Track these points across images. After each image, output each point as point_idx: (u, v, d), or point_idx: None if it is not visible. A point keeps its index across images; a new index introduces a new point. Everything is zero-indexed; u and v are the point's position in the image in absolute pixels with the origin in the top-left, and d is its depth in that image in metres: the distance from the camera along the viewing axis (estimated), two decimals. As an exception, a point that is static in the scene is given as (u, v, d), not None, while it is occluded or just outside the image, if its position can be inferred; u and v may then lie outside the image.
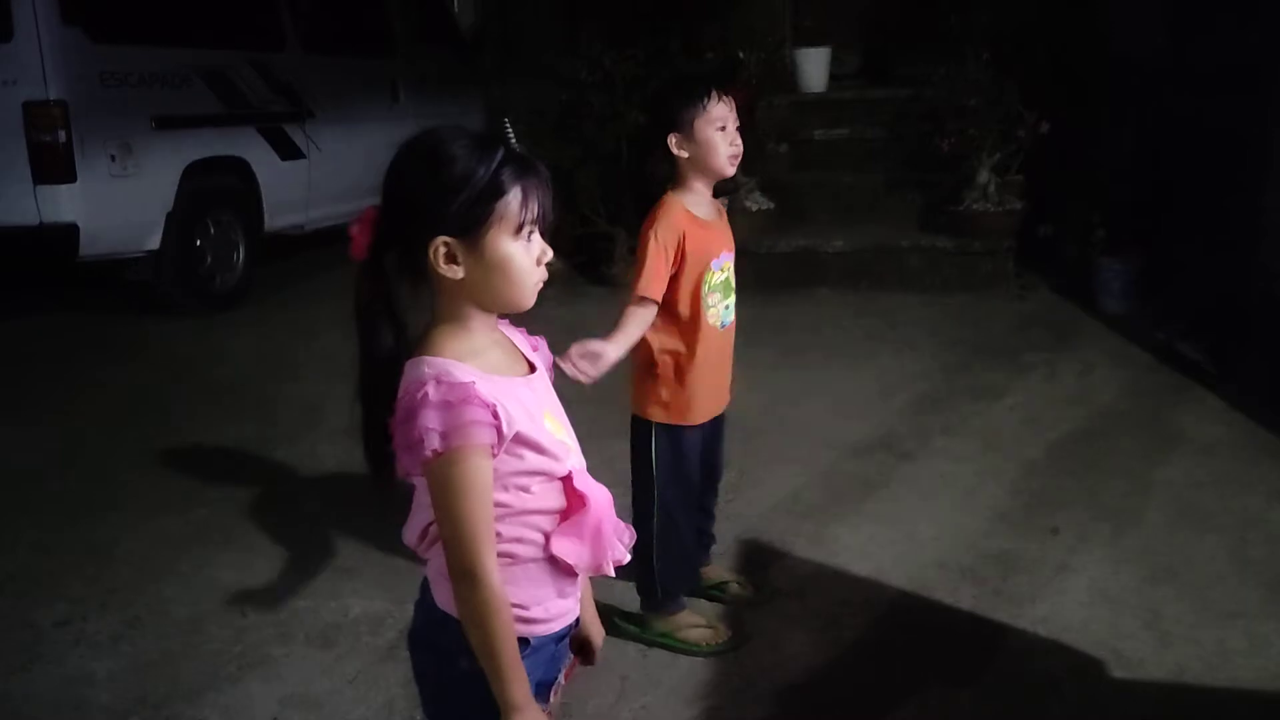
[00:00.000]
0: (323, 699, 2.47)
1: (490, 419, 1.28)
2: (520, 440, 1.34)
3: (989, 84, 5.94)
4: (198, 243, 5.94)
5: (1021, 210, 6.08)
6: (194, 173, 5.81)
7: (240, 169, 6.20)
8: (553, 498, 1.41)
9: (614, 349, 2.38)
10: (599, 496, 1.44)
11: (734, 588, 2.85)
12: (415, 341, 1.38)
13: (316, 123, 6.74)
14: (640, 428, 2.58)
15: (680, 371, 2.51)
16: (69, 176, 5.19)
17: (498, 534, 1.35)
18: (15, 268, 5.63)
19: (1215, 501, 3.36)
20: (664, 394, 2.53)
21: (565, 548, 1.40)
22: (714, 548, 2.92)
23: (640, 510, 2.59)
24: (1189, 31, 5.87)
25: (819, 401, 4.34)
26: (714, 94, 2.39)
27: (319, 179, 6.77)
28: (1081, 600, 2.80)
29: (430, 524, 1.40)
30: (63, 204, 5.21)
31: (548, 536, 1.40)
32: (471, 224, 1.30)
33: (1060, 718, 2.37)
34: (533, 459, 1.36)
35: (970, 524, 3.26)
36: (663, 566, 2.60)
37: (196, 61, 5.91)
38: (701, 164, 2.43)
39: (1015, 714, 2.38)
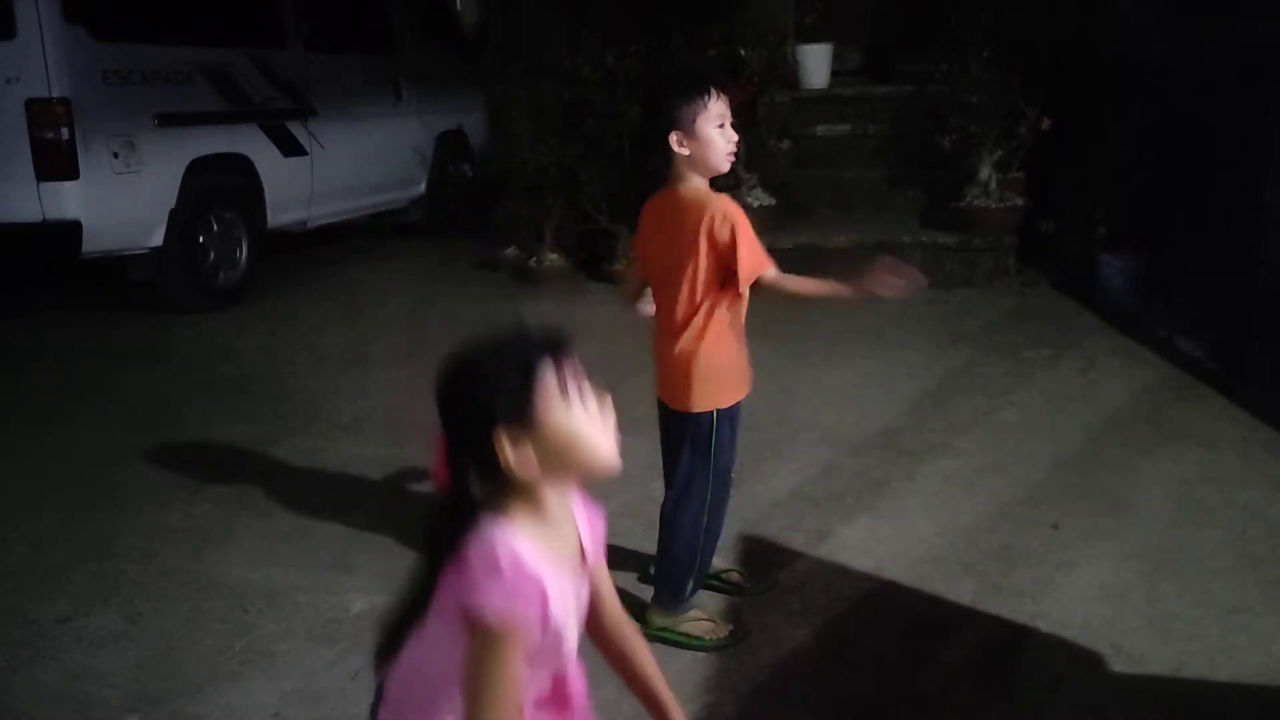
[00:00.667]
0: (324, 695, 2.47)
1: (540, 620, 1.31)
2: (550, 648, 1.38)
3: (990, 81, 5.94)
4: (200, 239, 5.95)
5: (1023, 206, 6.08)
6: (197, 170, 5.81)
7: (243, 166, 6.21)
8: (538, 688, 1.44)
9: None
10: (582, 687, 1.49)
11: (734, 576, 2.87)
12: (488, 498, 1.38)
13: (319, 120, 6.75)
14: (700, 423, 2.56)
15: (735, 349, 2.55)
16: (72, 174, 5.20)
17: None
18: (18, 265, 5.65)
19: (1216, 497, 3.36)
20: (726, 379, 2.55)
21: None
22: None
23: (687, 503, 2.61)
24: (1191, 28, 5.86)
25: (819, 397, 4.34)
26: (713, 91, 2.41)
27: (321, 176, 6.78)
28: (1082, 595, 2.81)
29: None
30: (66, 201, 5.22)
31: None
32: (521, 412, 1.32)
33: (1061, 713, 2.37)
34: (544, 654, 1.38)
35: (971, 519, 3.26)
36: (703, 560, 2.65)
37: (199, 59, 5.92)
38: (701, 161, 2.45)
39: (1016, 709, 2.38)
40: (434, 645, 1.37)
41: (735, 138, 2.46)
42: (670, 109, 2.42)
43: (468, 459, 1.34)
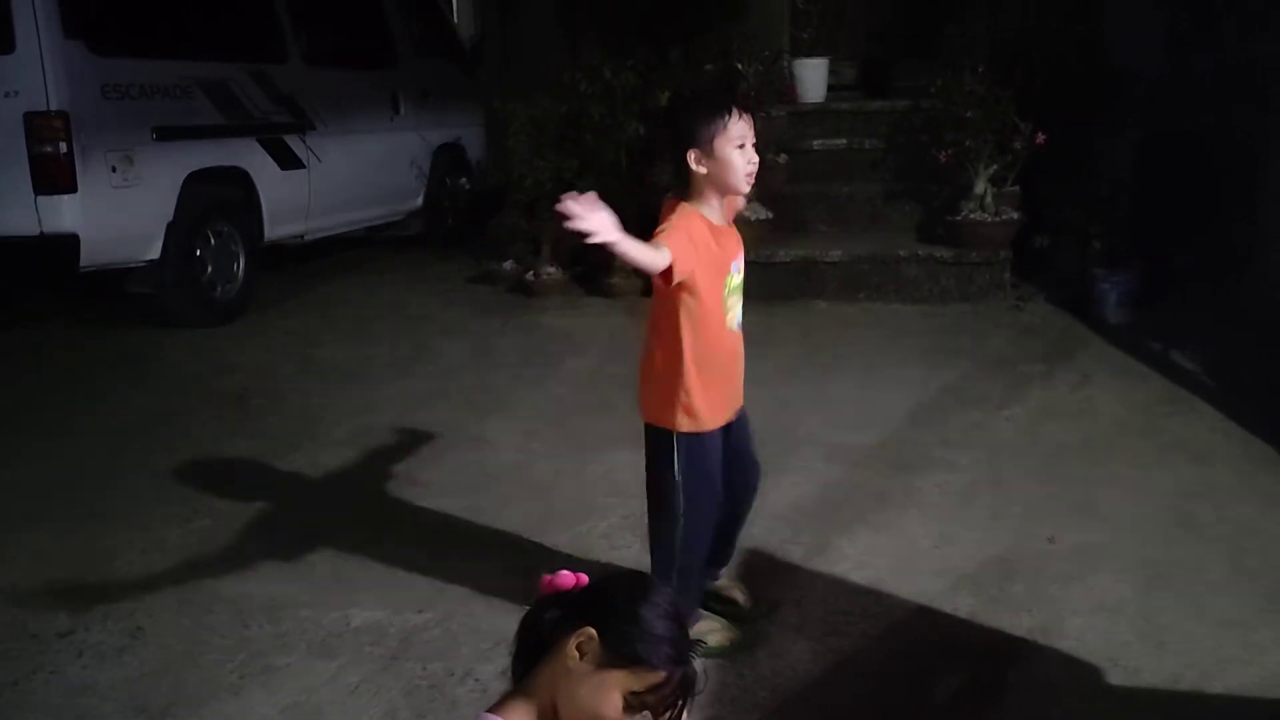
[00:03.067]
0: (324, 709, 2.48)
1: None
2: None
3: (985, 95, 5.98)
4: (198, 253, 5.96)
5: (1018, 221, 6.11)
6: (194, 183, 5.83)
7: (241, 179, 6.22)
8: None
9: (619, 235, 2.12)
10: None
11: (734, 593, 2.87)
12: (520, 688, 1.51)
13: (317, 134, 6.76)
14: (660, 439, 2.54)
15: (703, 375, 2.48)
16: (70, 187, 5.20)
17: None
18: (16, 278, 5.65)
19: (1211, 511, 3.38)
20: (686, 400, 2.49)
21: None
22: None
23: (660, 525, 2.61)
24: (1186, 42, 5.91)
25: (817, 412, 4.36)
26: (735, 112, 2.39)
27: (319, 189, 6.80)
28: (1078, 609, 2.82)
29: None
30: (64, 214, 5.22)
31: None
32: (619, 652, 1.43)
33: (1057, 726, 2.39)
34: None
35: (968, 533, 3.28)
36: (680, 582, 2.55)
37: (197, 73, 5.93)
38: (719, 181, 2.42)
39: (1013, 722, 2.40)
40: None
41: (756, 159, 2.43)
42: (689, 126, 2.40)
43: (578, 619, 1.45)
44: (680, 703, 1.46)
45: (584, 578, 1.52)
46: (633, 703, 1.43)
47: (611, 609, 1.44)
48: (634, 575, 1.54)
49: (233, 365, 5.33)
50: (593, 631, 1.42)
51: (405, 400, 4.67)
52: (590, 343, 5.49)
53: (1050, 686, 2.50)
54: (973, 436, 4.08)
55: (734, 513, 2.77)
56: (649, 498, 2.66)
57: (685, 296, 2.43)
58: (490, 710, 1.48)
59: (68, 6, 5.15)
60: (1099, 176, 5.93)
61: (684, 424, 2.51)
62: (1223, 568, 3.02)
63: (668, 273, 2.29)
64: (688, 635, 1.48)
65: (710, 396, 2.52)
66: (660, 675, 1.42)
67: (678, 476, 2.53)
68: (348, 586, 3.04)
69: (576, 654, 1.42)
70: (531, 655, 1.49)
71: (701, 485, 2.56)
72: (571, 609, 1.47)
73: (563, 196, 2.06)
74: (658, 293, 2.48)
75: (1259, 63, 5.16)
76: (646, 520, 2.73)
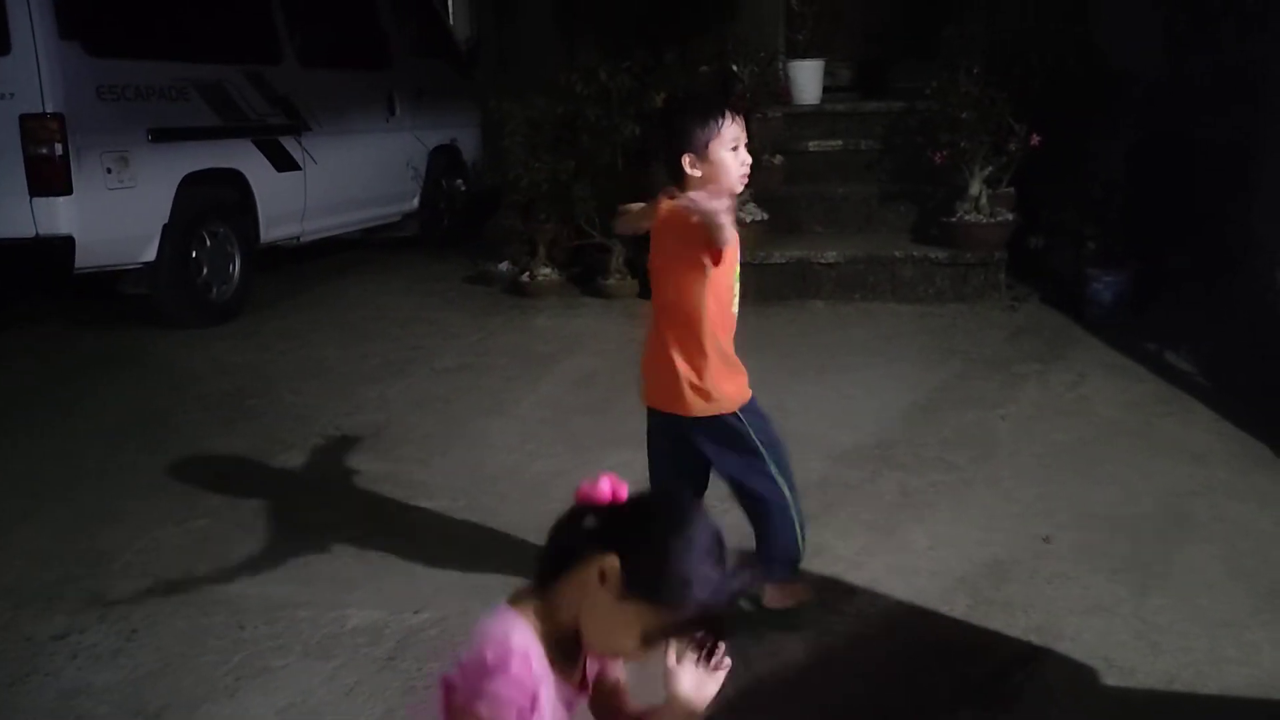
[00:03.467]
0: (321, 710, 2.48)
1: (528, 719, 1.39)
2: None
3: (980, 97, 5.99)
4: (194, 254, 5.96)
5: (1013, 222, 6.13)
6: (190, 185, 5.82)
7: (236, 181, 6.22)
8: None
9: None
10: None
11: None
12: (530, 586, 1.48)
13: (312, 135, 6.76)
14: (729, 425, 2.61)
15: (727, 357, 2.59)
16: (65, 189, 5.20)
17: None
18: (12, 280, 5.64)
19: (1206, 510, 3.39)
20: (729, 382, 2.60)
21: None
22: None
23: (771, 512, 2.67)
24: (1183, 44, 5.92)
25: (813, 412, 4.36)
26: (728, 115, 2.44)
27: (315, 191, 6.80)
28: (1073, 609, 2.82)
29: None
30: (59, 216, 5.22)
31: None
32: (642, 587, 1.37)
33: (1053, 726, 2.39)
34: None
35: (963, 533, 3.28)
36: (801, 530, 2.69)
37: (193, 75, 5.93)
38: (714, 182, 2.46)
39: (1008, 722, 2.40)
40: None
41: (749, 160, 2.49)
42: (683, 131, 2.44)
43: (604, 543, 1.41)
44: (709, 645, 1.41)
45: (624, 490, 1.45)
46: (652, 638, 1.39)
47: (642, 538, 1.38)
48: (674, 501, 1.46)
49: (228, 366, 5.33)
50: (616, 562, 1.36)
51: (401, 401, 4.67)
52: (586, 343, 5.50)
53: (1046, 686, 2.51)
54: (968, 436, 4.09)
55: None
56: (744, 495, 2.70)
57: (709, 285, 2.51)
58: (510, 603, 1.45)
59: (63, 8, 5.15)
60: (1094, 178, 5.95)
61: (740, 399, 2.61)
62: (1218, 568, 3.02)
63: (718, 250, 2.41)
64: (725, 574, 1.39)
65: (737, 372, 2.63)
66: (682, 615, 1.37)
67: (763, 451, 2.61)
68: (344, 587, 3.03)
69: (598, 579, 1.38)
70: (559, 561, 1.44)
71: (781, 448, 2.67)
72: (604, 526, 1.41)
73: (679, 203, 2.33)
74: (683, 290, 2.51)
75: (1254, 65, 5.17)
76: (751, 523, 2.73)
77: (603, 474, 1.46)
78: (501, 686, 1.35)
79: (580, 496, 1.45)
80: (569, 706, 1.50)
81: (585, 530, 1.42)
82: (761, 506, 2.69)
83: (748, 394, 2.64)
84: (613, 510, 1.43)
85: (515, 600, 1.46)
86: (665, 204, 2.51)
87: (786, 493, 2.67)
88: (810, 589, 2.84)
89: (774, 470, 2.65)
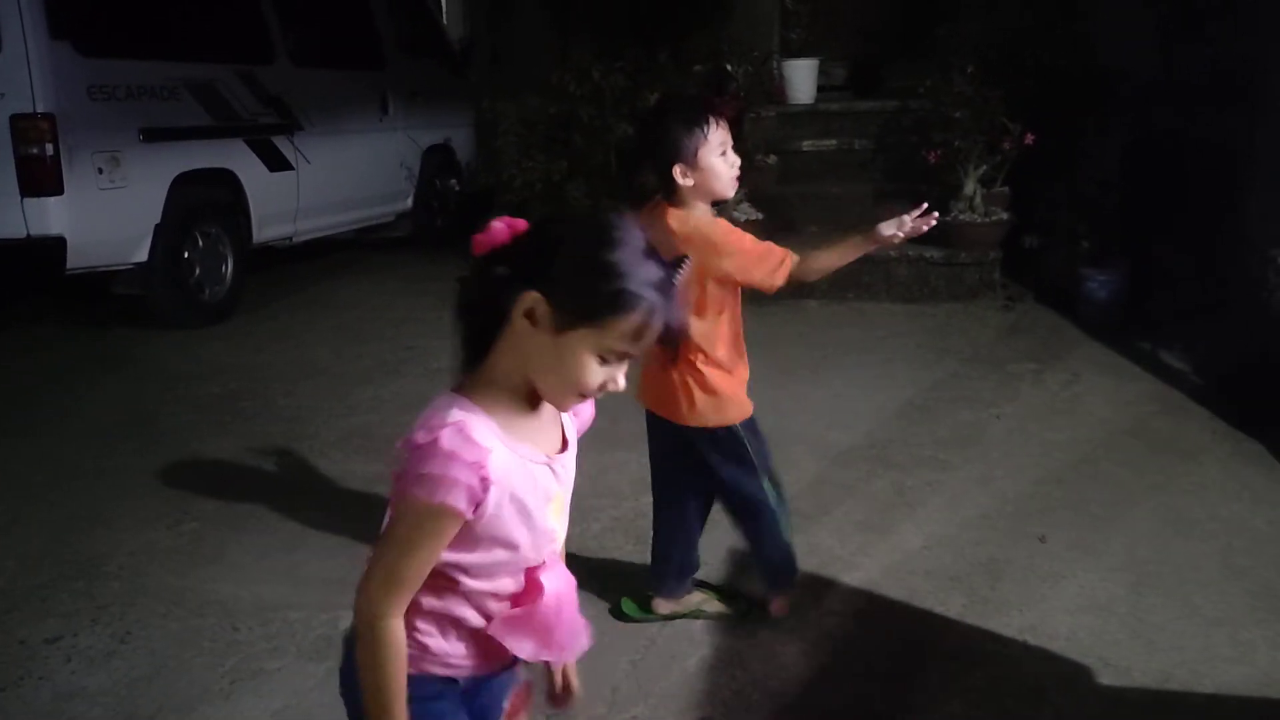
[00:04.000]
0: (315, 712, 2.47)
1: (478, 493, 1.26)
2: (499, 538, 1.32)
3: (974, 96, 5.99)
4: (186, 255, 5.94)
5: (1008, 221, 6.13)
6: (182, 185, 5.80)
7: (228, 181, 6.20)
8: (510, 585, 1.38)
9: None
10: (561, 588, 1.40)
11: (712, 606, 2.88)
12: (459, 373, 1.35)
13: (305, 135, 6.74)
14: (727, 437, 2.60)
15: (736, 366, 2.60)
16: (56, 189, 5.17)
17: (443, 608, 1.36)
18: (3, 281, 5.61)
19: (1201, 509, 3.39)
20: (738, 392, 2.60)
21: (507, 636, 1.38)
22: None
23: (762, 528, 2.68)
24: (1176, 43, 5.93)
25: (807, 411, 4.36)
26: (712, 120, 2.42)
27: (307, 191, 6.78)
28: (1069, 608, 2.83)
29: None
30: (50, 217, 5.19)
31: (491, 619, 1.38)
32: (578, 311, 1.24)
33: (1049, 725, 2.39)
34: (504, 556, 1.34)
35: (958, 532, 3.28)
36: (789, 545, 2.71)
37: (185, 74, 5.91)
38: (706, 189, 2.46)
39: (1004, 722, 2.40)
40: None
41: (738, 161, 2.48)
42: (671, 142, 2.42)
43: (512, 263, 1.28)
44: (669, 337, 1.26)
45: (520, 223, 1.30)
46: (610, 357, 1.26)
47: (559, 259, 1.24)
48: (581, 216, 1.37)
49: (221, 367, 5.31)
50: (537, 295, 1.23)
51: (395, 401, 4.66)
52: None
53: (1040, 686, 2.51)
54: (963, 436, 4.09)
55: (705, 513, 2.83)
56: (736, 509, 2.70)
57: (731, 293, 2.53)
58: (455, 392, 1.31)
59: (54, 7, 5.12)
60: (1088, 177, 5.96)
61: (743, 412, 2.60)
62: (1213, 566, 3.03)
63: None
64: (663, 263, 1.26)
65: (741, 382, 2.62)
66: (630, 320, 1.23)
67: (755, 461, 2.60)
68: (338, 589, 3.01)
69: (529, 325, 1.25)
70: (483, 327, 1.31)
71: (769, 461, 2.65)
72: (514, 266, 1.26)
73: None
74: (709, 297, 2.50)
75: (1247, 64, 5.18)
76: (648, 525, 2.73)
77: (491, 222, 1.31)
78: (436, 465, 1.22)
79: (478, 248, 1.30)
80: (559, 474, 1.38)
81: (496, 279, 1.27)
82: (751, 519, 2.70)
83: (748, 408, 2.62)
84: (518, 245, 1.28)
85: (464, 393, 1.31)
86: (674, 223, 2.49)
87: (776, 506, 2.67)
88: (721, 605, 2.85)
89: (767, 484, 2.65)
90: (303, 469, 3.94)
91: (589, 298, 1.24)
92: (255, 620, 2.86)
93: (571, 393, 1.30)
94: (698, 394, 2.55)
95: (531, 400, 1.33)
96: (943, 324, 5.67)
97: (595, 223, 1.29)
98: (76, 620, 2.89)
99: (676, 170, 2.43)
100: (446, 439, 1.24)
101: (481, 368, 1.32)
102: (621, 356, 1.27)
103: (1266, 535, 3.21)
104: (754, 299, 2.67)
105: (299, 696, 2.53)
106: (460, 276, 1.34)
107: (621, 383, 1.30)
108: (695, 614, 2.80)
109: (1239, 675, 2.51)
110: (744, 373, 2.63)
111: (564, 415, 1.41)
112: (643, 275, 1.23)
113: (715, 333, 2.53)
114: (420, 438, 1.24)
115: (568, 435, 1.42)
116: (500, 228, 1.29)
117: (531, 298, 1.24)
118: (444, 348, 5.62)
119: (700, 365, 2.53)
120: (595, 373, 1.27)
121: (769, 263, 2.48)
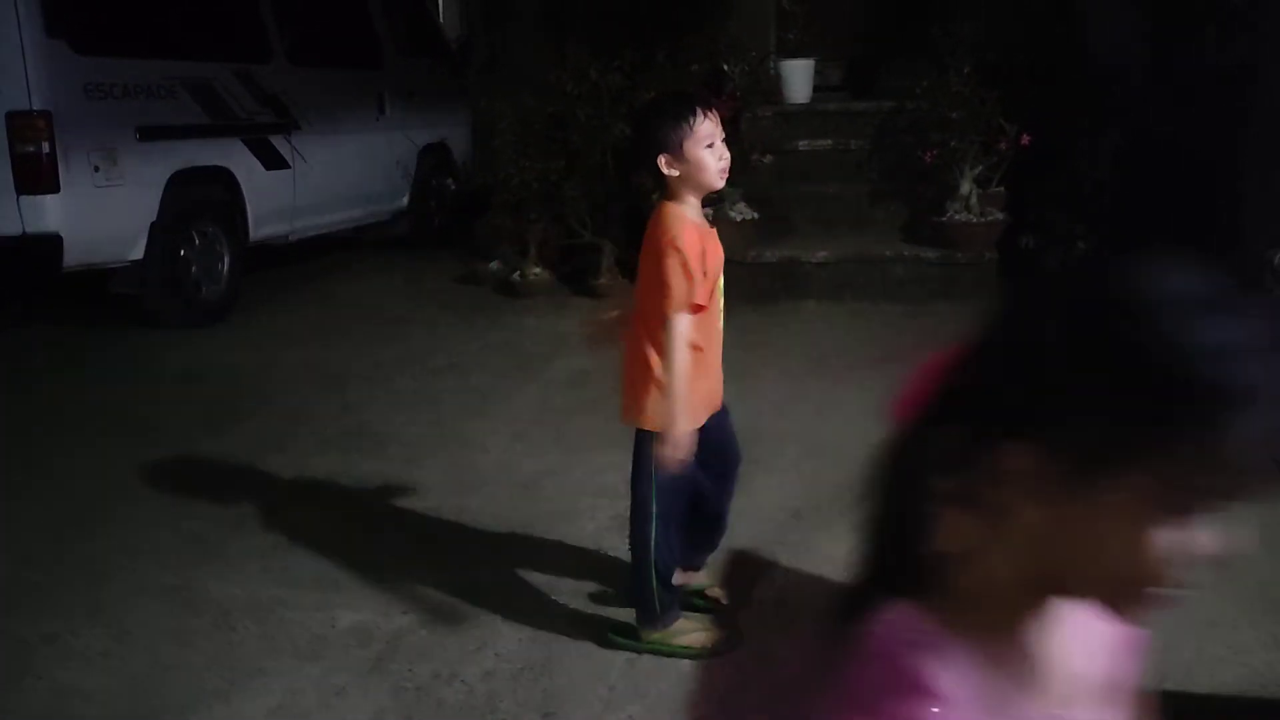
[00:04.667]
0: (311, 711, 2.48)
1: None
2: None
3: (971, 97, 6.00)
4: (182, 253, 5.93)
5: (1004, 221, 6.14)
6: (178, 183, 5.80)
7: (225, 179, 6.20)
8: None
9: (674, 400, 2.46)
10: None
11: (714, 592, 2.90)
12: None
13: (302, 133, 6.74)
14: (646, 441, 2.56)
15: (693, 373, 2.51)
16: (52, 187, 5.17)
17: None
18: (-1, 279, 5.62)
19: (1195, 510, 3.39)
20: (694, 396, 2.53)
21: None
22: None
23: (638, 524, 2.62)
24: (1170, 43, 5.94)
25: (803, 411, 4.36)
26: (699, 113, 2.41)
27: (304, 189, 6.78)
28: (1064, 609, 2.83)
29: None
30: (46, 215, 5.19)
31: None
32: (1116, 446, 0.72)
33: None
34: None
35: (954, 533, 3.28)
36: (660, 579, 2.62)
37: (182, 72, 5.91)
38: (693, 181, 2.46)
39: (999, 722, 2.40)
40: None
41: (726, 155, 2.47)
42: (656, 133, 2.42)
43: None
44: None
45: (951, 350, 0.83)
46: (1179, 505, 0.75)
47: (1045, 372, 0.73)
48: (1050, 281, 0.81)
49: (217, 366, 5.31)
50: (1029, 447, 0.73)
51: (391, 401, 4.66)
52: (576, 343, 5.48)
53: (1036, 686, 2.51)
54: (959, 436, 4.08)
55: (722, 497, 2.82)
56: (631, 500, 2.67)
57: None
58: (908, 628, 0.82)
59: (50, 5, 5.12)
60: (1083, 177, 5.97)
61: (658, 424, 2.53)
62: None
63: (696, 307, 2.46)
64: (1246, 321, 0.72)
65: (695, 396, 2.53)
66: (1210, 439, 0.72)
67: (654, 478, 2.56)
68: (334, 588, 3.03)
69: (1020, 495, 0.75)
70: (901, 554, 0.86)
71: (673, 486, 2.58)
72: (969, 417, 0.79)
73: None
74: (655, 303, 2.49)
75: (1242, 64, 5.19)
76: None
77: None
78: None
79: (898, 412, 0.88)
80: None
81: (942, 454, 0.81)
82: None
83: (701, 418, 2.56)
84: (962, 384, 0.82)
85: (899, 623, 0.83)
86: (662, 214, 2.50)
87: (653, 554, 2.62)
88: (713, 632, 2.76)
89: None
90: (299, 468, 3.94)
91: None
92: (252, 619, 2.87)
93: (1117, 586, 0.77)
94: (640, 390, 2.55)
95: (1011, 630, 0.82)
96: (938, 324, 5.67)
97: (1090, 280, 0.76)
98: (74, 619, 2.90)
99: (662, 160, 2.42)
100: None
101: (928, 597, 0.83)
102: (1198, 504, 0.76)
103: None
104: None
105: (295, 695, 2.53)
106: (869, 474, 0.89)
107: (1214, 544, 0.78)
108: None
109: (1233, 675, 2.52)
110: (698, 379, 2.54)
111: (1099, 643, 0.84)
112: (1210, 342, 0.70)
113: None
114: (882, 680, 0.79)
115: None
116: (928, 369, 0.85)
117: (1017, 451, 0.74)
118: (440, 347, 5.62)
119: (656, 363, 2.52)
120: (1156, 552, 0.75)
121: (668, 300, 2.43)
